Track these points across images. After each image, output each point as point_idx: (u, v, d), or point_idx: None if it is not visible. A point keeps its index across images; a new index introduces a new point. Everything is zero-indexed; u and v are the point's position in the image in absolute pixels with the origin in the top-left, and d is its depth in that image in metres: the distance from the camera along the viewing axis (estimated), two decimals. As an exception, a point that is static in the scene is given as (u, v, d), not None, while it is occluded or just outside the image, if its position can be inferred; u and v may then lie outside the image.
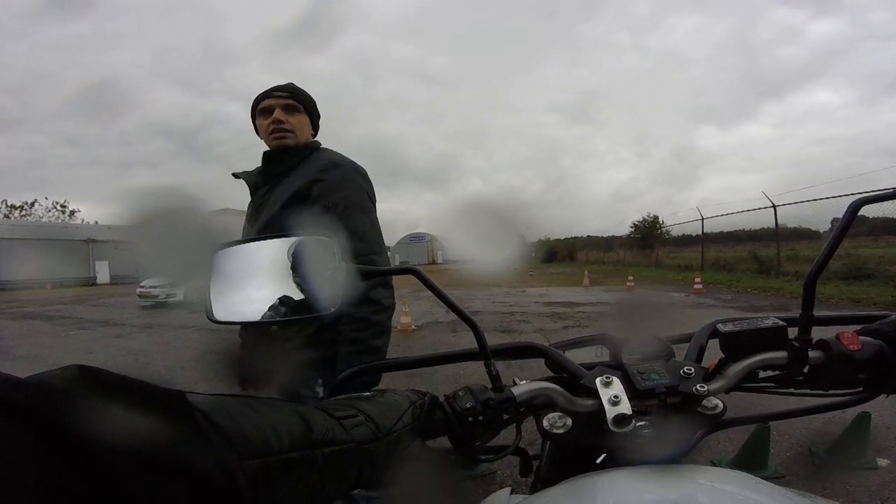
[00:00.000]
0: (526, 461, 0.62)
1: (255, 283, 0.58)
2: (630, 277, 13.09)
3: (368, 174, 1.42)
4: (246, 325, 1.07)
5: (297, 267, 0.57)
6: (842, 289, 9.07)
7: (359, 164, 1.41)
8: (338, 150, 1.43)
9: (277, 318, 0.56)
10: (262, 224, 1.32)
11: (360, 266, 0.54)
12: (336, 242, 0.54)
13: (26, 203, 43.25)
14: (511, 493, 0.61)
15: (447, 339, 6.20)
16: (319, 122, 1.48)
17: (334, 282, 0.53)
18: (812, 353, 0.57)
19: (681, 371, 0.54)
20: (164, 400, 0.25)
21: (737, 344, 0.57)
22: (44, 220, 41.09)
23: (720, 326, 0.59)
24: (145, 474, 0.22)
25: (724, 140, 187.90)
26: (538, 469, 0.64)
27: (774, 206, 13.37)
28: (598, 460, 0.54)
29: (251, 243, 0.61)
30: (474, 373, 0.57)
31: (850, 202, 0.55)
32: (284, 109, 1.34)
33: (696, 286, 11.18)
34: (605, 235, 30.40)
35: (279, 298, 0.58)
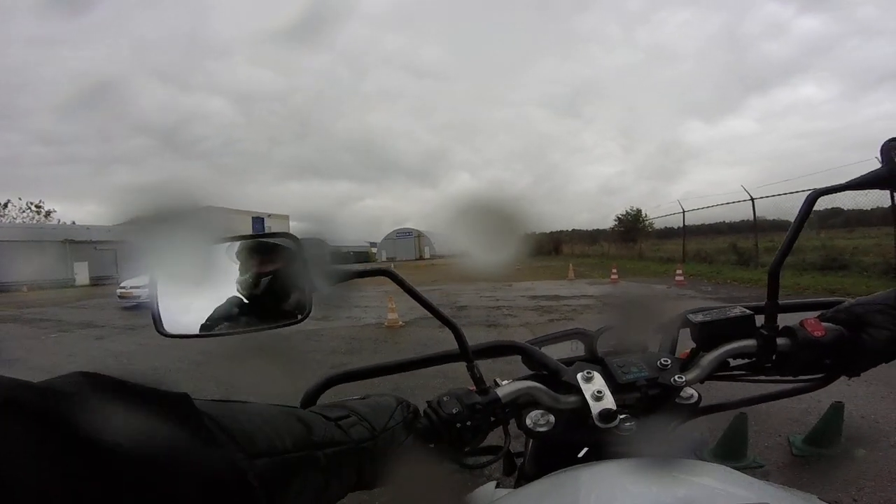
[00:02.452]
0: (509, 460, 0.62)
1: (210, 291, 0.51)
2: (614, 270, 13.19)
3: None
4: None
5: (259, 271, 0.52)
6: (818, 279, 9.28)
7: None
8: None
9: (238, 330, 0.51)
10: None
11: (331, 267, 0.51)
12: (301, 243, 0.50)
13: (-1, 205, 41.83)
14: (496, 487, 0.62)
15: (435, 335, 6.08)
16: None
17: (303, 286, 0.50)
18: (780, 341, 0.58)
19: (658, 362, 0.55)
20: (169, 402, 0.25)
21: (707, 334, 0.58)
22: (17, 221, 39.72)
23: (690, 317, 0.59)
24: (156, 475, 0.22)
25: (710, 134, 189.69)
26: (521, 467, 0.64)
27: (752, 199, 13.71)
28: (580, 454, 0.54)
29: (221, 244, 0.54)
30: (456, 370, 0.57)
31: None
32: None
33: (678, 278, 11.30)
34: (591, 229, 30.54)
35: (237, 307, 0.51)
